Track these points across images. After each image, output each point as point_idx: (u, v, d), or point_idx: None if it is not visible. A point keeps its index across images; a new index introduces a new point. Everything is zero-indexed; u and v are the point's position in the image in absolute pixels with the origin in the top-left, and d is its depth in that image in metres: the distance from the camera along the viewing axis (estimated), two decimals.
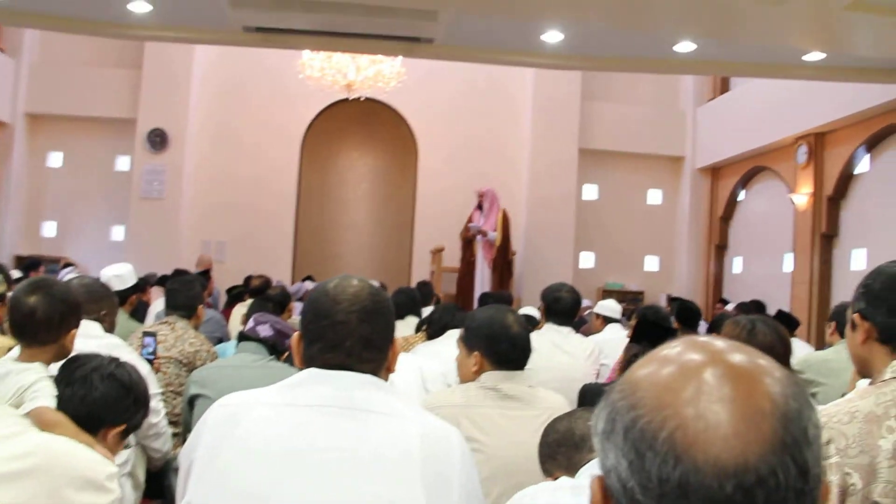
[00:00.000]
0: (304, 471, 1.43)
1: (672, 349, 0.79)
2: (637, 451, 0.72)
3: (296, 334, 1.65)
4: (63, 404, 2.02)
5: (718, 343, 0.78)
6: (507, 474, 2.31)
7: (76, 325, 2.25)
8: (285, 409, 1.51)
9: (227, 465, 1.45)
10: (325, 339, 1.58)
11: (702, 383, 0.73)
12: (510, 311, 2.64)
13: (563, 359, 3.96)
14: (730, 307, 8.72)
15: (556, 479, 1.71)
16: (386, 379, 1.64)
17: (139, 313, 5.63)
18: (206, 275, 7.80)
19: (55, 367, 2.16)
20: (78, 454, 1.78)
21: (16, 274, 7.64)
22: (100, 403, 2.06)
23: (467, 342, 2.58)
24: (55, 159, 11.63)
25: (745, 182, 11.56)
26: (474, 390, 2.45)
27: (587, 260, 12.28)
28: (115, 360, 2.19)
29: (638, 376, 0.78)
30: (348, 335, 1.57)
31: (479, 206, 10.43)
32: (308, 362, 1.60)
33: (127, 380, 2.15)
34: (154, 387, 3.19)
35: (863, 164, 9.10)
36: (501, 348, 2.49)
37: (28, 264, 9.32)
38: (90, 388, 2.07)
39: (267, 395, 1.55)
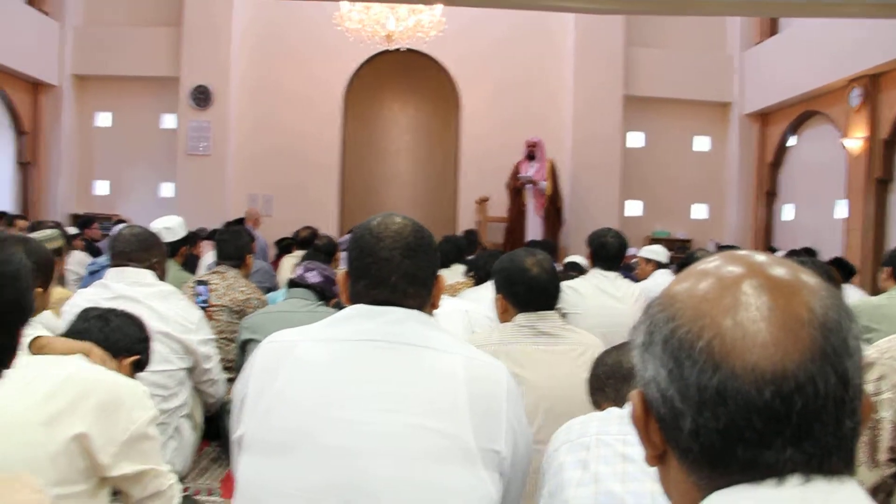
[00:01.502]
0: (350, 404, 1.45)
1: (711, 263, 0.79)
2: (676, 359, 0.73)
3: (342, 272, 1.67)
4: (82, 336, 2.13)
5: (759, 257, 0.78)
6: (547, 404, 2.38)
7: (41, 285, 2.30)
8: (332, 344, 1.53)
9: (273, 399, 1.48)
10: (370, 276, 1.59)
11: (739, 294, 0.73)
12: (532, 253, 2.67)
13: (610, 303, 3.96)
14: (779, 255, 8.59)
15: (604, 409, 1.73)
16: (431, 315, 1.66)
17: (190, 266, 5.75)
18: (240, 222, 7.88)
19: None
20: (110, 378, 1.87)
21: (72, 230, 7.84)
22: (116, 332, 2.22)
23: (494, 285, 2.69)
24: (103, 119, 11.81)
25: (795, 127, 11.28)
26: (511, 329, 2.54)
27: (634, 208, 12.15)
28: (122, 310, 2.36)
29: (676, 290, 0.78)
30: (393, 271, 1.58)
31: (529, 156, 10.37)
32: (354, 299, 1.62)
33: (138, 319, 2.34)
34: (207, 333, 3.26)
35: None
36: (518, 290, 2.57)
37: (82, 222, 9.51)
38: (106, 321, 2.23)
39: (314, 331, 1.58)
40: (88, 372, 1.84)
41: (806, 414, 0.69)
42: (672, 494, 0.79)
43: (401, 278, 1.59)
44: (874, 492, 1.62)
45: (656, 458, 0.79)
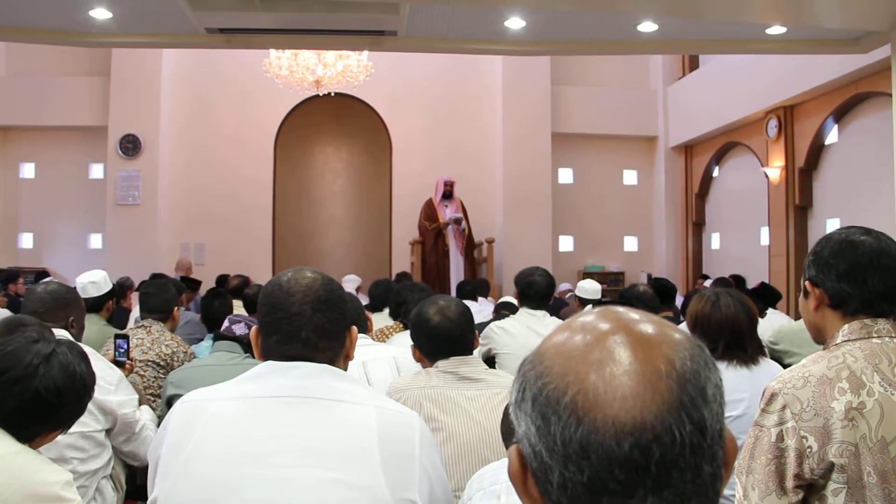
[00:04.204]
0: (264, 460, 1.45)
1: (582, 319, 0.81)
2: (543, 416, 0.74)
3: (254, 328, 1.68)
4: None
5: (630, 314, 0.80)
6: (470, 451, 2.37)
7: None
8: (245, 402, 1.53)
9: (188, 459, 1.48)
10: (281, 331, 1.60)
11: (604, 350, 0.74)
12: (438, 301, 2.66)
13: (539, 342, 3.98)
14: (708, 283, 8.79)
15: None
16: (345, 367, 1.67)
17: (119, 320, 5.62)
18: (192, 282, 7.66)
19: None
20: (29, 469, 1.74)
21: None
22: (30, 416, 1.89)
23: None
24: (28, 170, 11.56)
25: (718, 158, 11.64)
26: (435, 374, 2.52)
27: (566, 244, 12.32)
28: (54, 351, 1.97)
29: (546, 346, 0.80)
30: (303, 326, 1.60)
31: (445, 195, 10.46)
32: (266, 355, 1.62)
33: (51, 387, 1.92)
34: (129, 393, 3.11)
35: (832, 135, 9.18)
36: (422, 341, 2.60)
37: (6, 277, 9.26)
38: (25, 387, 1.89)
39: (227, 390, 1.58)
40: (7, 464, 1.73)
41: (664, 463, 0.70)
42: None
43: (312, 332, 1.60)
44: None
45: None
